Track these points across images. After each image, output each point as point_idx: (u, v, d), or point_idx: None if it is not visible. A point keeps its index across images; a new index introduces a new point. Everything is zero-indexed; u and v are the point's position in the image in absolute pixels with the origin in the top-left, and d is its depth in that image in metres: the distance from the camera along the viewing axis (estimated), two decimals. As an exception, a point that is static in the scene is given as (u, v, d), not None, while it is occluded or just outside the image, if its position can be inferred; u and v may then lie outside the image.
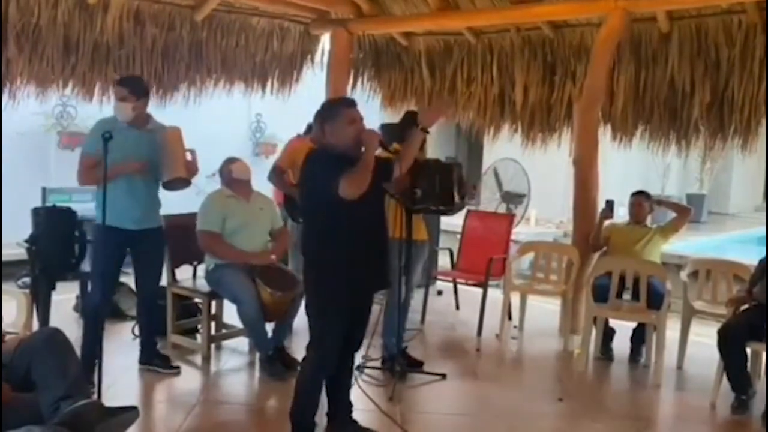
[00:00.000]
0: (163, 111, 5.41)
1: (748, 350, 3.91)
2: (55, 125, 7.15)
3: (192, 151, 3.98)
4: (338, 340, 3.06)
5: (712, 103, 5.12)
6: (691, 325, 4.69)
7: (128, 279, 4.42)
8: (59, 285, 4.50)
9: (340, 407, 3.29)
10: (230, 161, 4.42)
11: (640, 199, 5.04)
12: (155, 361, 4.13)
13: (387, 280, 3.34)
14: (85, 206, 5.14)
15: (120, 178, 3.75)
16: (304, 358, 3.15)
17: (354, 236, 2.99)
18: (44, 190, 6.05)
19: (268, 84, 6.59)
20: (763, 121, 4.95)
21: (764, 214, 7.93)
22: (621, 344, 4.82)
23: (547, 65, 5.86)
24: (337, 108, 3.11)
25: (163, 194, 4.05)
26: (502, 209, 7.20)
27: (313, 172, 3.03)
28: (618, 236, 5.00)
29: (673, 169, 11.63)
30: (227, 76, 6.27)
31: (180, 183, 3.93)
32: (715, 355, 3.95)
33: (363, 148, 2.98)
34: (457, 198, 4.03)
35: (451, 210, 4.15)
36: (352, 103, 3.12)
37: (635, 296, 4.56)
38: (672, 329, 4.55)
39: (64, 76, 5.37)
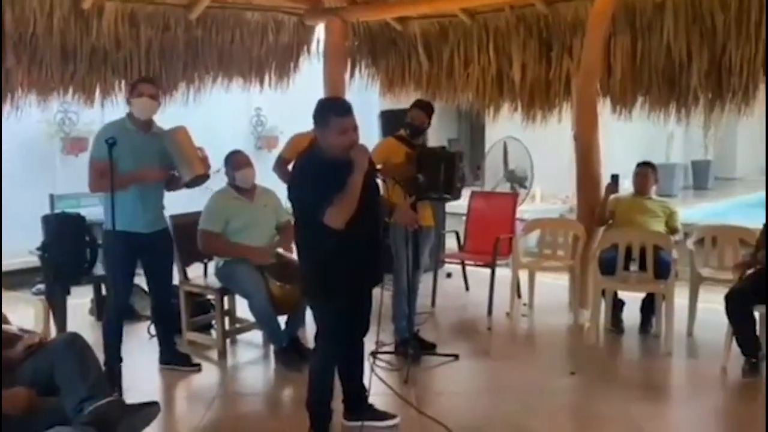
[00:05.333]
0: (164, 111, 5.41)
1: (756, 314, 3.95)
2: (58, 132, 7.20)
3: (201, 149, 4.01)
4: (339, 330, 3.06)
5: (710, 69, 5.10)
6: (699, 293, 4.73)
7: (140, 279, 4.47)
8: (73, 290, 4.57)
9: (354, 393, 3.34)
10: (234, 155, 4.43)
11: (646, 171, 5.04)
12: (175, 361, 4.19)
13: (380, 276, 3.29)
14: (94, 210, 5.19)
15: (132, 184, 3.79)
16: (314, 348, 3.20)
17: (344, 234, 2.88)
18: (52, 197, 6.10)
19: (266, 77, 6.60)
20: (762, 85, 4.94)
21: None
22: (631, 315, 4.86)
23: (543, 42, 5.85)
24: (327, 114, 2.88)
25: (171, 193, 4.10)
26: (506, 188, 7.22)
27: (301, 180, 2.93)
28: (622, 208, 5.01)
29: (677, 138, 11.58)
30: (225, 73, 6.29)
31: (200, 179, 3.98)
32: (724, 320, 3.99)
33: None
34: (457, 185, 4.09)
35: (452, 197, 4.19)
36: (344, 111, 2.88)
37: (642, 267, 4.58)
38: (680, 297, 4.58)
39: (64, 82, 5.42)
